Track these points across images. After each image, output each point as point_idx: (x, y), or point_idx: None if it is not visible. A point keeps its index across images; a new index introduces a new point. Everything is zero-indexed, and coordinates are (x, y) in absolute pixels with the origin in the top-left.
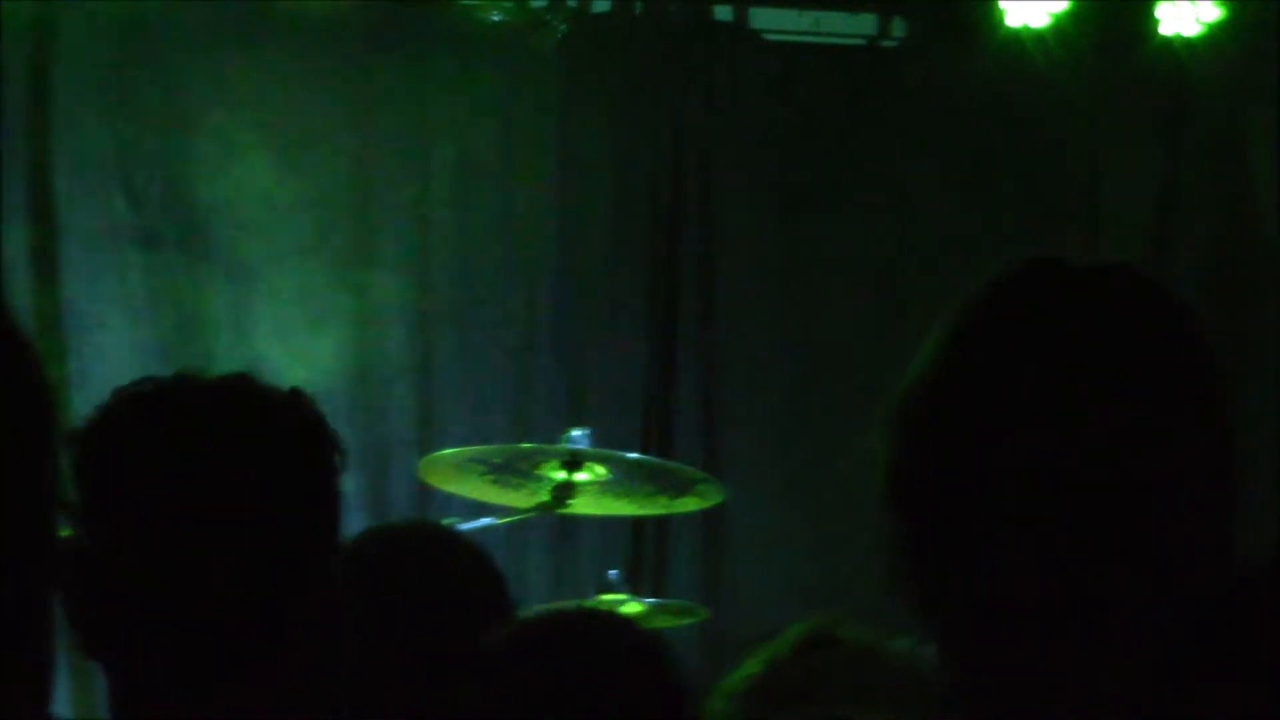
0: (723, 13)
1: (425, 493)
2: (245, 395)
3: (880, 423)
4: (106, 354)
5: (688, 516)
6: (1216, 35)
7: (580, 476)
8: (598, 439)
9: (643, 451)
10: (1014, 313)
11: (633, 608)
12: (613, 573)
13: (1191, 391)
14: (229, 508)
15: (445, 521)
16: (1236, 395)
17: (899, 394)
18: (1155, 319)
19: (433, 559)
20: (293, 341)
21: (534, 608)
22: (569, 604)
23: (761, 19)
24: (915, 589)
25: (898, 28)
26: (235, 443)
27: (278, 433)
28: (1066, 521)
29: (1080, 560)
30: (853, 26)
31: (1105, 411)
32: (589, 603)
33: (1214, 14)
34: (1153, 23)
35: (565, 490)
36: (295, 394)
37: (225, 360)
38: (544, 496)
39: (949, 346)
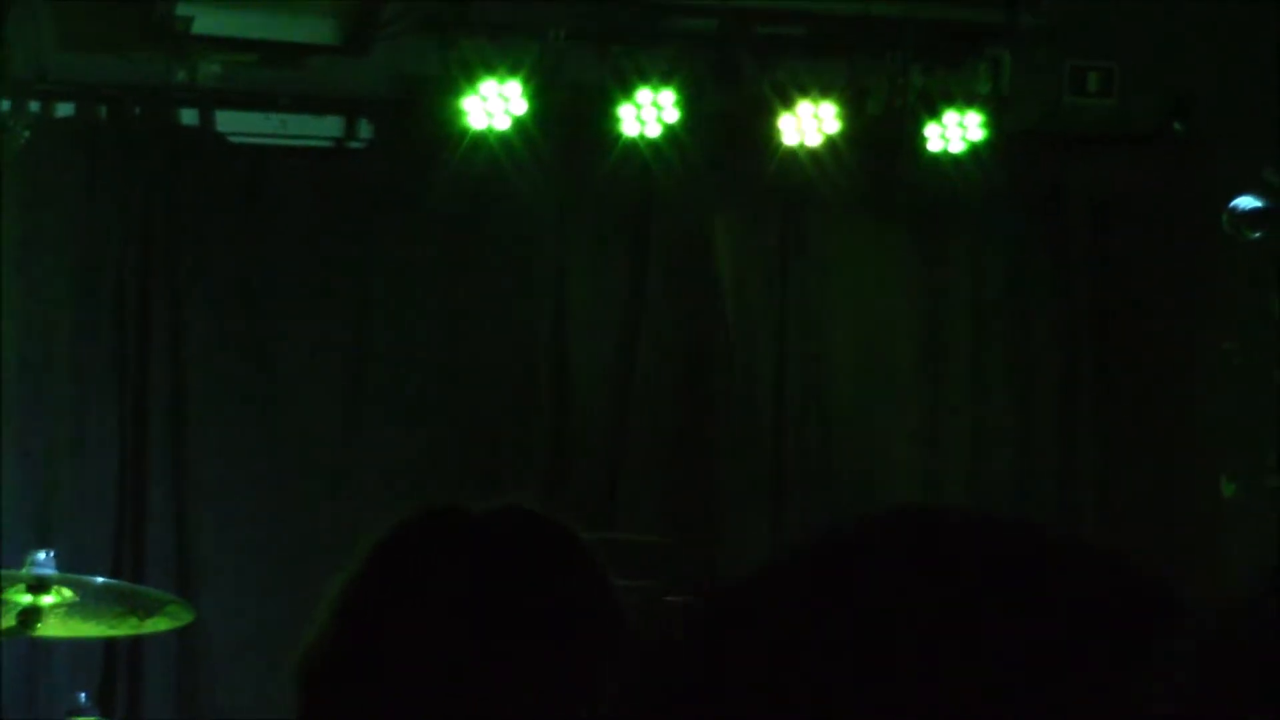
0: (188, 116)
1: None
2: None
3: (290, 678)
4: None
5: (162, 634)
6: (678, 136)
7: (46, 600)
8: (66, 558)
9: (115, 568)
10: (405, 569)
11: None
12: (82, 695)
13: (592, 624)
14: None
15: None
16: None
17: (303, 651)
18: (553, 564)
19: None
20: None
21: None
22: None
23: (227, 122)
24: None
25: (364, 129)
26: None
27: None
28: None
29: None
30: (319, 129)
31: (501, 660)
32: None
33: (674, 116)
34: (616, 124)
35: (31, 615)
36: None
37: None
38: (10, 621)
39: (345, 602)
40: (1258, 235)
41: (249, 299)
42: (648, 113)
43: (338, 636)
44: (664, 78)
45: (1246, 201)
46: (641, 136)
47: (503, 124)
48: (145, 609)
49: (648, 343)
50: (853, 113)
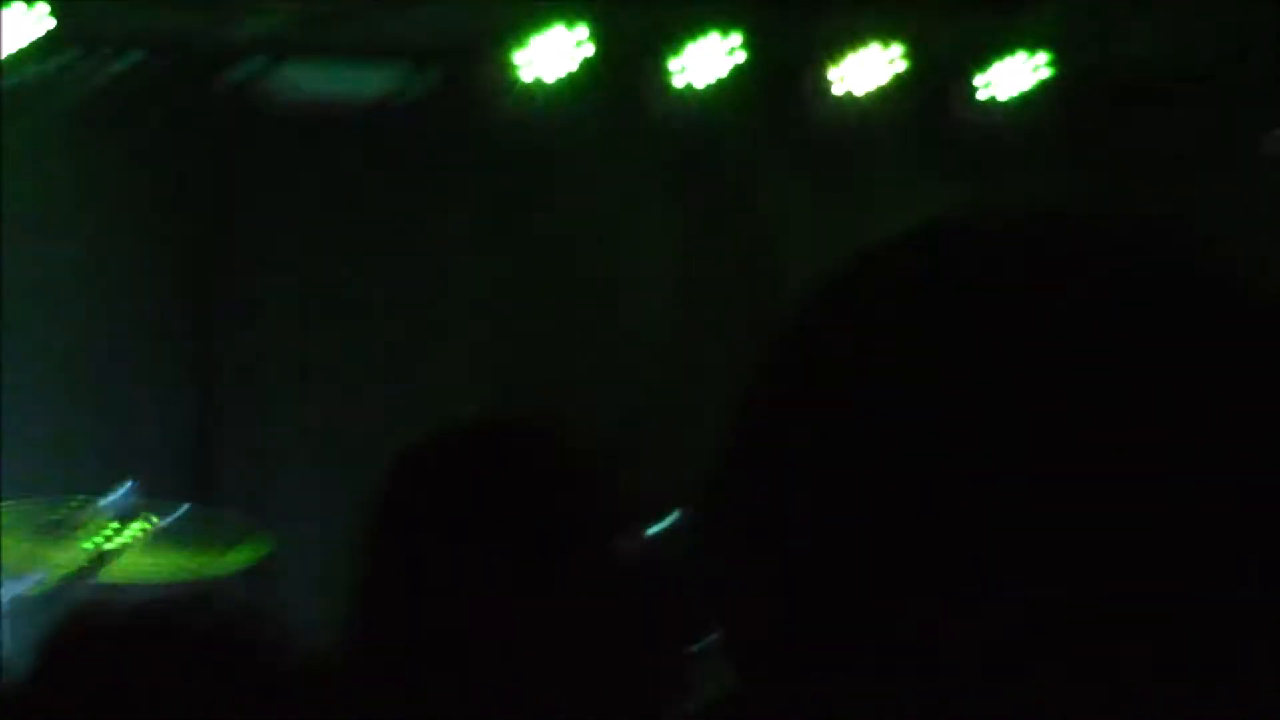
0: (245, 69)
1: None
2: None
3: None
4: None
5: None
6: (730, 86)
7: (130, 530)
8: (145, 490)
9: (193, 499)
10: (416, 486)
11: None
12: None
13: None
14: None
15: None
16: None
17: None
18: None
19: None
20: None
21: None
22: None
23: (285, 75)
24: None
25: (421, 81)
26: None
27: None
28: None
29: None
30: (376, 81)
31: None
32: None
33: (726, 66)
34: (668, 75)
35: (109, 555)
36: None
37: None
38: (99, 544)
39: (368, 524)
40: None
41: (312, 240)
42: (700, 63)
43: (365, 559)
44: (715, 28)
45: None
46: (690, 86)
47: (557, 74)
48: (227, 539)
49: (699, 288)
50: (904, 60)
